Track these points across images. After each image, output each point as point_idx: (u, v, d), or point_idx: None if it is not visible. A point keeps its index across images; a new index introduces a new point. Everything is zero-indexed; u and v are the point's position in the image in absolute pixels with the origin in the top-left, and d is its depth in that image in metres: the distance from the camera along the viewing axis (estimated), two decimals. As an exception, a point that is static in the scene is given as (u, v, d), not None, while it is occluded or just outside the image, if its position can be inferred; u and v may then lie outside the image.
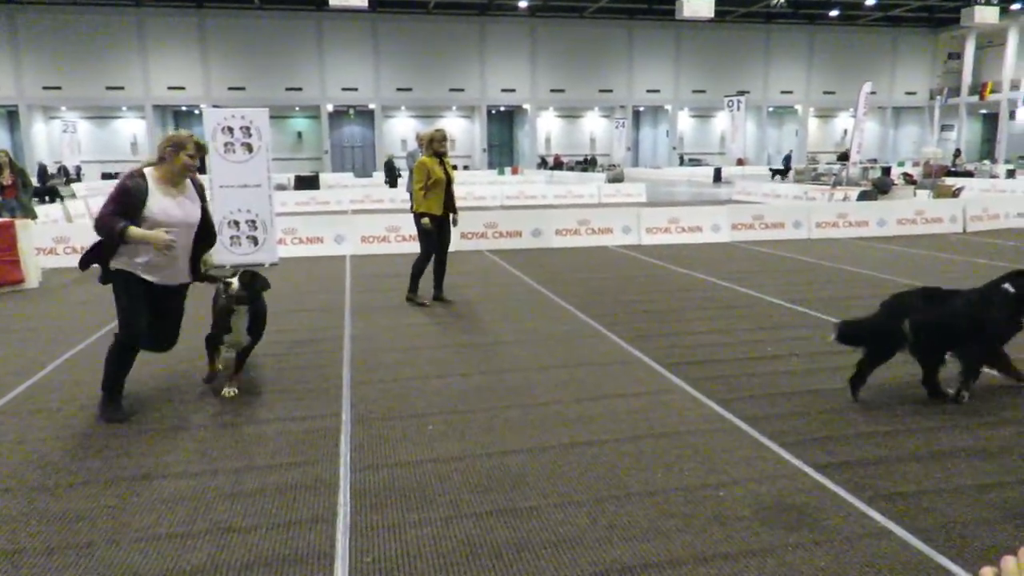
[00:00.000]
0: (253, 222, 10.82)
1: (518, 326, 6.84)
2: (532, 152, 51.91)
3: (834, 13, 50.09)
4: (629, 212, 13.33)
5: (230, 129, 10.62)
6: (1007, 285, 4.70)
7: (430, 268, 7.93)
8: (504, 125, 56.00)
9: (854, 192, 17.60)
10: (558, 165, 48.83)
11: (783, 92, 55.09)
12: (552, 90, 51.13)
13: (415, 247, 8.83)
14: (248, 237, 10.87)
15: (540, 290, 8.71)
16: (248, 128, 10.65)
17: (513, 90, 50.57)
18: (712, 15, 28.95)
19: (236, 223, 10.79)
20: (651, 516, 3.28)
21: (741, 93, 38.27)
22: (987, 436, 4.11)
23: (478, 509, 3.36)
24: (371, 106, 48.46)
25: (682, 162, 53.84)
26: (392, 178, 24.64)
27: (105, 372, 4.50)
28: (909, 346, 4.63)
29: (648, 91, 52.97)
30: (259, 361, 5.65)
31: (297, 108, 49.26)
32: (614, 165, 42.04)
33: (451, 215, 7.67)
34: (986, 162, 33.23)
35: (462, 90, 49.53)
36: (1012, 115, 48.71)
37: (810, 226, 13.57)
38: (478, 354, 5.89)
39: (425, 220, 7.46)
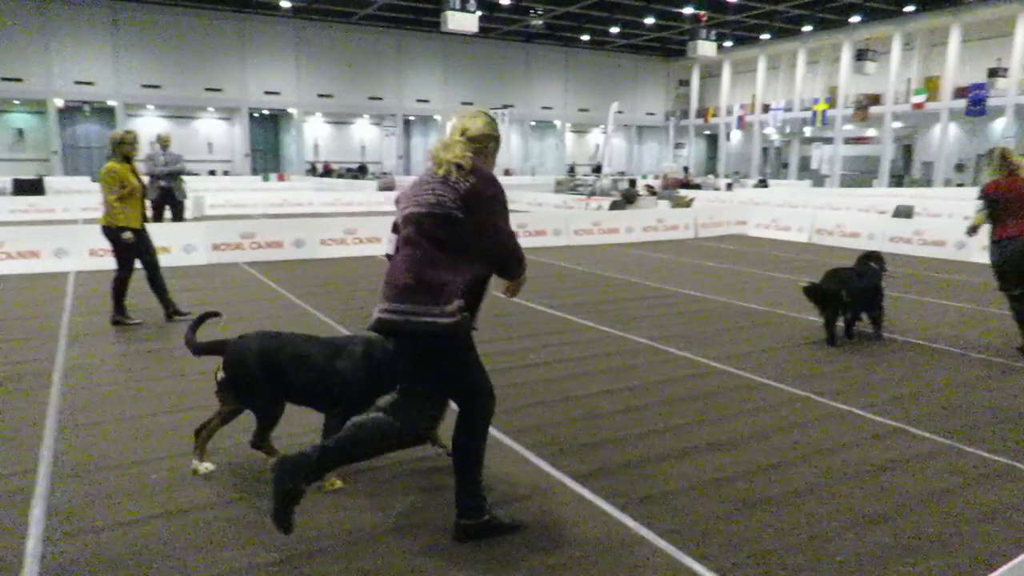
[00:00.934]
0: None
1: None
2: (300, 158, 49.68)
3: (586, 38, 54.23)
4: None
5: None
6: (872, 264, 6.48)
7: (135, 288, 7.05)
8: (269, 129, 52.94)
9: (606, 202, 18.95)
10: (327, 172, 47.25)
11: (544, 107, 58.51)
12: (320, 95, 49.36)
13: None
14: None
15: (300, 304, 8.09)
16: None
17: (278, 93, 48.03)
18: (476, 30, 29.65)
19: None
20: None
21: (506, 106, 39.91)
22: (728, 428, 4.40)
23: (213, 572, 2.84)
24: (111, 103, 43.13)
25: (453, 171, 54.80)
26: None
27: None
28: (843, 306, 6.31)
29: (418, 100, 53.27)
30: (-72, 409, 4.49)
31: (17, 101, 42.35)
32: (385, 173, 41.64)
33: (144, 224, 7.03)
34: (710, 176, 37.92)
35: (220, 90, 45.95)
36: (728, 136, 56.29)
37: (569, 233, 14.28)
38: (223, 381, 5.21)
39: (127, 235, 6.74)
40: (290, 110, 49.55)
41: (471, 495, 3.02)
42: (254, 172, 46.52)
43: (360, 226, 12.47)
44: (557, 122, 59.74)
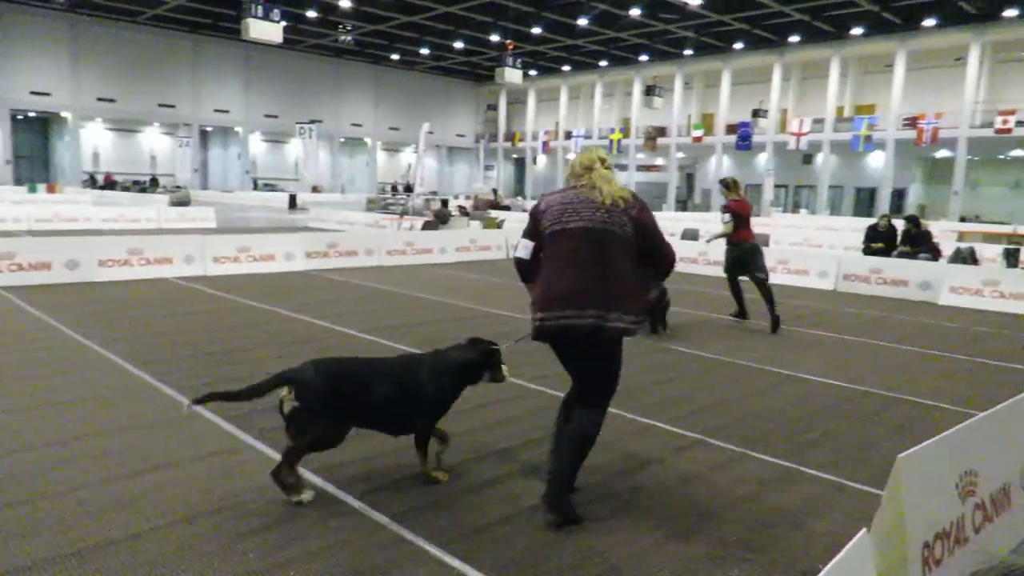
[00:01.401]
0: None
1: (33, 389, 5.33)
2: (76, 168, 44.37)
3: (396, 57, 54.09)
4: (193, 240, 11.96)
5: None
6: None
7: None
8: (36, 134, 46.78)
9: (419, 222, 18.87)
10: (110, 184, 42.69)
11: (353, 124, 57.42)
12: (100, 99, 44.55)
13: None
14: None
15: (73, 336, 7.07)
16: None
17: (47, 94, 42.62)
18: (280, 41, 28.36)
19: None
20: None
21: (313, 121, 38.57)
22: (546, 450, 4.39)
23: None
24: None
25: (256, 187, 52.01)
26: None
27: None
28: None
29: (216, 111, 49.93)
30: None
31: None
32: (179, 187, 38.42)
33: None
34: (519, 198, 39.34)
35: (-27, 87, 39.90)
36: (535, 160, 58.87)
37: (382, 254, 13.97)
38: (-36, 433, 4.35)
39: None
40: (63, 113, 44.23)
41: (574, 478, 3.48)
42: (17, 182, 40.80)
43: (147, 245, 11.26)
44: (368, 140, 58.93)
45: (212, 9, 41.32)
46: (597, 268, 3.32)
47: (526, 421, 4.97)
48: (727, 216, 8.22)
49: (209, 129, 52.37)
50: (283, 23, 28.52)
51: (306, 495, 3.54)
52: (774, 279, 12.80)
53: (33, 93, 42.12)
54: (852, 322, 9.49)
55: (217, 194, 44.98)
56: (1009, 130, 34.34)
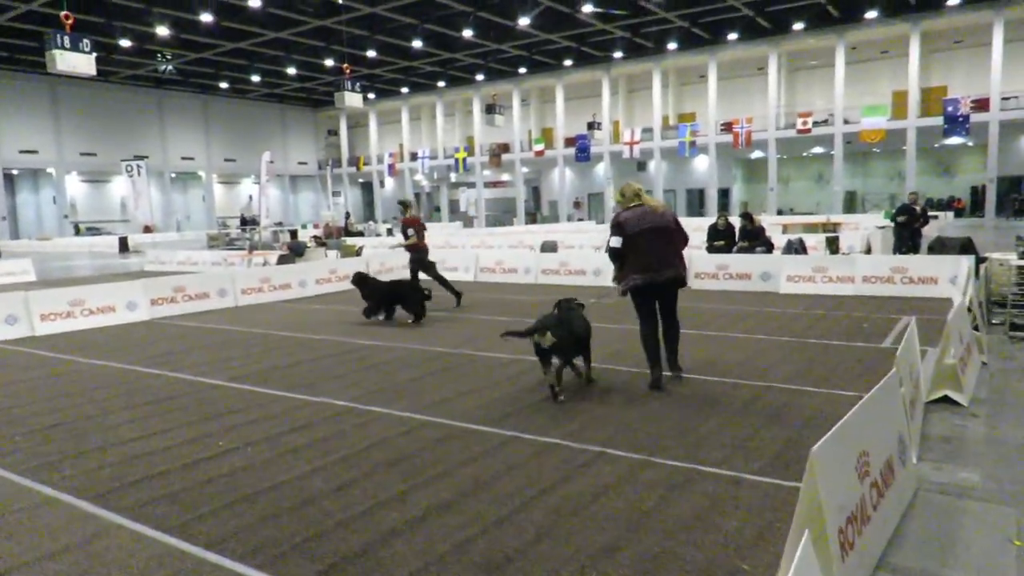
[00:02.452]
0: None
1: None
2: None
3: (224, 85, 51.47)
4: (13, 297, 10.59)
5: None
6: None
7: None
8: None
9: (272, 256, 17.96)
10: None
11: (184, 158, 53.95)
12: None
13: None
14: None
15: None
16: None
17: None
18: (94, 72, 26.01)
19: None
20: None
21: (139, 158, 35.73)
22: (451, 485, 4.23)
23: None
24: None
25: (78, 232, 47.37)
26: None
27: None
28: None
29: (21, 151, 45.03)
30: None
31: None
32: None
33: None
34: (371, 223, 38.60)
35: None
36: (383, 183, 58.14)
37: (236, 293, 13.12)
38: None
39: None
40: None
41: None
42: None
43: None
44: (202, 173, 55.60)
45: (9, 41, 37.26)
46: (669, 247, 6.12)
47: (425, 454, 4.78)
48: (411, 231, 10.79)
49: (15, 172, 47.13)
50: (94, 54, 26.23)
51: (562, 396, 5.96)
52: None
53: None
54: (708, 317, 10.06)
55: (30, 243, 40.52)
56: (808, 130, 38.39)
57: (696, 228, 24.97)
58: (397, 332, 9.67)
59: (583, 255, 15.48)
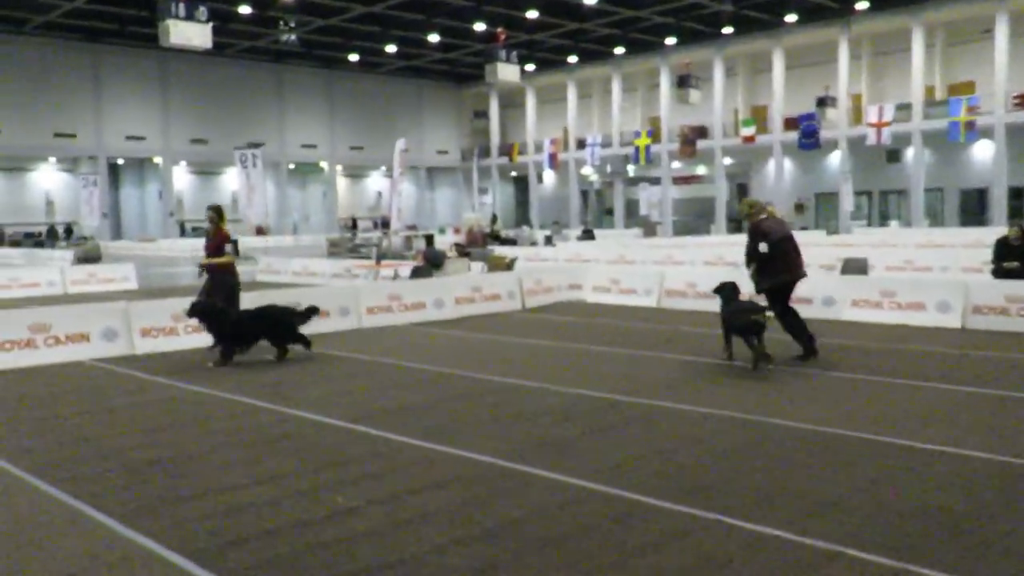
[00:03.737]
0: None
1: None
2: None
3: (354, 58, 54.85)
4: (113, 309, 11.79)
5: None
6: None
7: None
8: None
9: (404, 267, 18.76)
10: (-4, 238, 42.85)
11: (304, 146, 57.99)
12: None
13: None
14: None
15: (-35, 449, 6.85)
16: None
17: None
18: (209, 45, 28.72)
19: None
20: None
21: (253, 145, 38.76)
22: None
23: None
24: None
25: (183, 232, 52.27)
26: None
27: None
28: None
29: (128, 138, 50.50)
30: None
31: None
32: (84, 238, 38.45)
33: None
34: (525, 228, 39.41)
35: None
36: (540, 178, 59.29)
37: (360, 313, 13.81)
38: None
39: None
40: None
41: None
42: None
43: (55, 319, 11.09)
44: (324, 164, 59.45)
45: (117, 11, 42.06)
46: (798, 252, 9.76)
47: (590, 536, 4.72)
48: (228, 247, 11.48)
49: (120, 162, 52.88)
50: (210, 23, 28.94)
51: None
52: (881, 315, 12.68)
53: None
54: (1001, 369, 9.28)
55: (134, 244, 45.16)
56: None
57: (973, 243, 23.24)
58: (554, 372, 9.71)
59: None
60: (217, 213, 11.56)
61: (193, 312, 10.36)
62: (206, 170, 56.32)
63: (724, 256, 21.33)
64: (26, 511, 5.35)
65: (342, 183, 61.66)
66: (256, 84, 55.34)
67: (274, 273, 24.21)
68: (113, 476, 6.01)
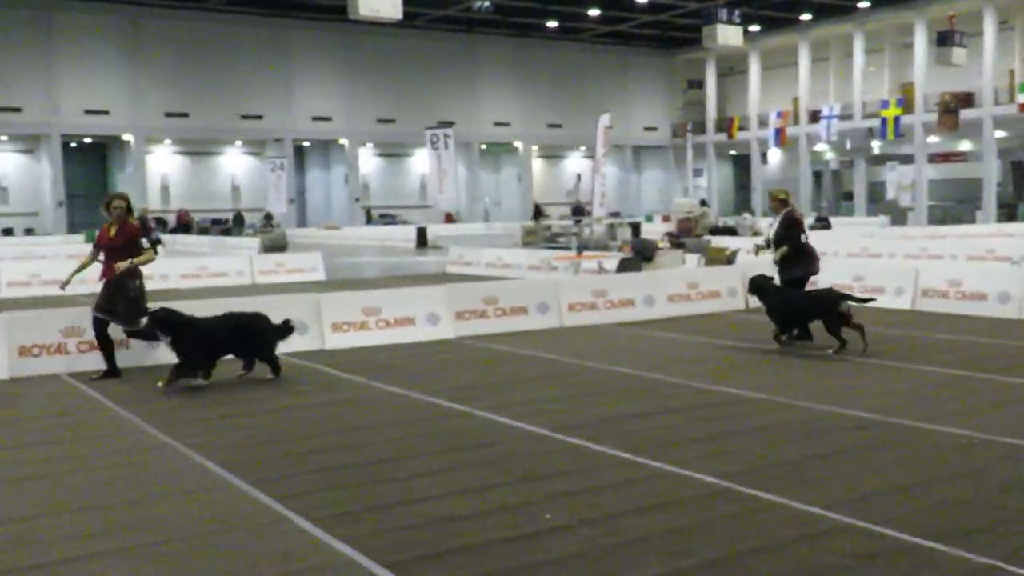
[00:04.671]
0: None
1: (119, 516, 5.68)
2: (141, 206, 49.10)
3: (553, 24, 55.57)
4: (303, 301, 12.60)
5: None
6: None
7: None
8: (94, 165, 52.54)
9: (610, 259, 18.85)
10: (184, 226, 46.74)
11: (498, 123, 59.36)
12: (168, 114, 49.35)
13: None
14: None
15: (164, 440, 7.55)
16: None
17: (105, 112, 47.79)
18: (399, 15, 30.04)
19: None
20: None
21: (444, 124, 40.10)
22: None
23: None
24: None
25: (370, 219, 54.90)
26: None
27: None
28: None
29: (315, 118, 53.63)
30: None
31: None
32: (271, 225, 41.26)
33: None
34: (746, 215, 38.54)
35: (18, 110, 45.56)
36: (765, 157, 57.71)
37: (561, 309, 14.01)
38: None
39: None
40: (125, 136, 49.24)
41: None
42: (71, 229, 45.75)
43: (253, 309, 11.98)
44: (518, 144, 60.59)
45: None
46: None
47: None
48: (147, 240, 11.04)
49: (306, 144, 56.21)
50: (403, -8, 30.18)
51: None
52: None
53: (88, 112, 47.32)
54: None
55: (318, 232, 47.91)
56: None
57: None
58: (782, 384, 9.48)
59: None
60: (126, 202, 10.55)
61: (154, 321, 9.62)
62: (393, 152, 58.85)
63: (996, 250, 19.99)
64: (226, 510, 5.84)
65: (537, 165, 62.64)
66: (446, 57, 57.13)
67: (466, 264, 24.97)
68: (309, 479, 6.44)
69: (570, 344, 12.35)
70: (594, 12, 51.77)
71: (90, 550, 5.15)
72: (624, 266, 17.82)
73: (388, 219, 54.90)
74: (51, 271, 21.07)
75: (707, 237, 24.67)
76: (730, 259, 18.86)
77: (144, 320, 9.74)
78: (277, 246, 32.38)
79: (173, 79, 49.30)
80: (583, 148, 60.74)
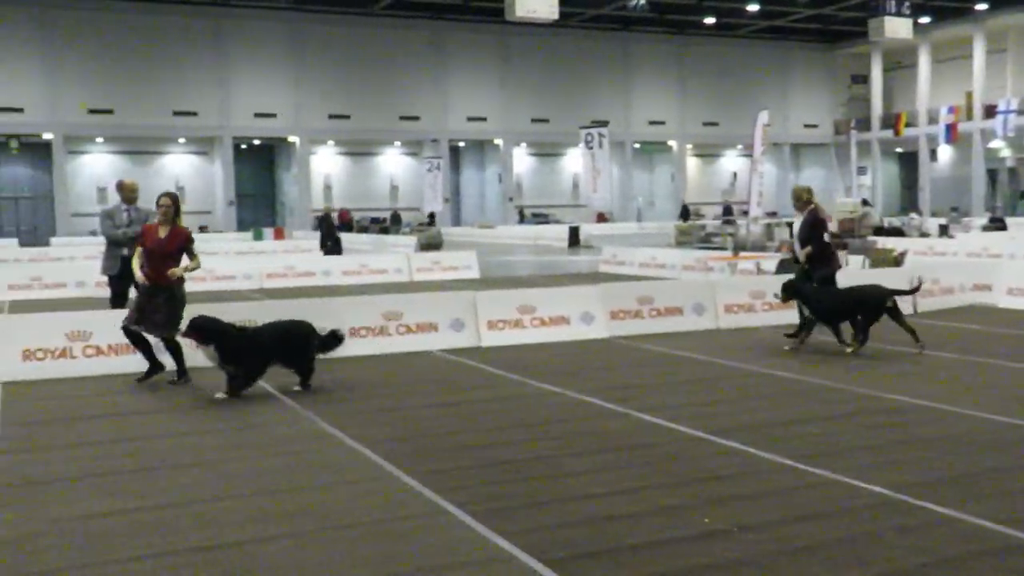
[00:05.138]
0: None
1: (287, 502, 5.93)
2: (304, 206, 51.12)
3: (710, 21, 54.76)
4: (459, 298, 12.84)
5: None
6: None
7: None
8: (260, 166, 55.01)
9: (768, 260, 18.43)
10: (346, 224, 48.27)
11: (652, 122, 58.94)
12: (332, 116, 51.15)
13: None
14: None
15: (328, 431, 7.86)
16: None
17: (272, 115, 49.96)
18: (556, 16, 30.26)
19: None
20: None
21: (597, 123, 40.07)
22: None
23: None
24: (46, 135, 45.63)
25: (522, 218, 55.41)
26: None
27: None
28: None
29: (470, 119, 54.52)
30: None
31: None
32: (427, 224, 42.22)
33: None
34: (914, 216, 36.92)
35: (194, 114, 48.14)
36: (934, 155, 55.16)
37: (717, 310, 13.80)
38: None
39: None
40: (291, 138, 51.32)
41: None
42: (240, 226, 48.00)
43: (406, 307, 12.30)
44: (672, 143, 60.01)
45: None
46: None
47: None
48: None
49: (461, 144, 57.24)
50: (558, -7, 30.33)
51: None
52: None
53: (258, 116, 49.55)
54: None
55: (472, 231, 48.69)
56: None
57: None
58: (956, 392, 9.06)
59: None
60: (175, 203, 9.82)
61: (193, 329, 9.04)
62: (546, 152, 59.20)
63: None
64: (389, 500, 6.03)
65: (692, 164, 61.89)
66: (599, 56, 57.12)
67: (619, 264, 24.90)
68: (468, 473, 6.57)
69: (726, 346, 12.16)
70: (753, 7, 50.75)
71: (263, 534, 5.41)
72: (783, 267, 17.40)
73: (541, 218, 55.31)
74: (223, 267, 22.25)
75: (872, 238, 23.77)
76: (898, 261, 18.17)
77: (182, 327, 9.21)
78: (433, 244, 33.08)
79: (336, 83, 51.02)
80: (739, 146, 59.61)
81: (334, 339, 9.65)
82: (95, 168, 48.93)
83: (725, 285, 14.72)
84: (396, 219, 48.77)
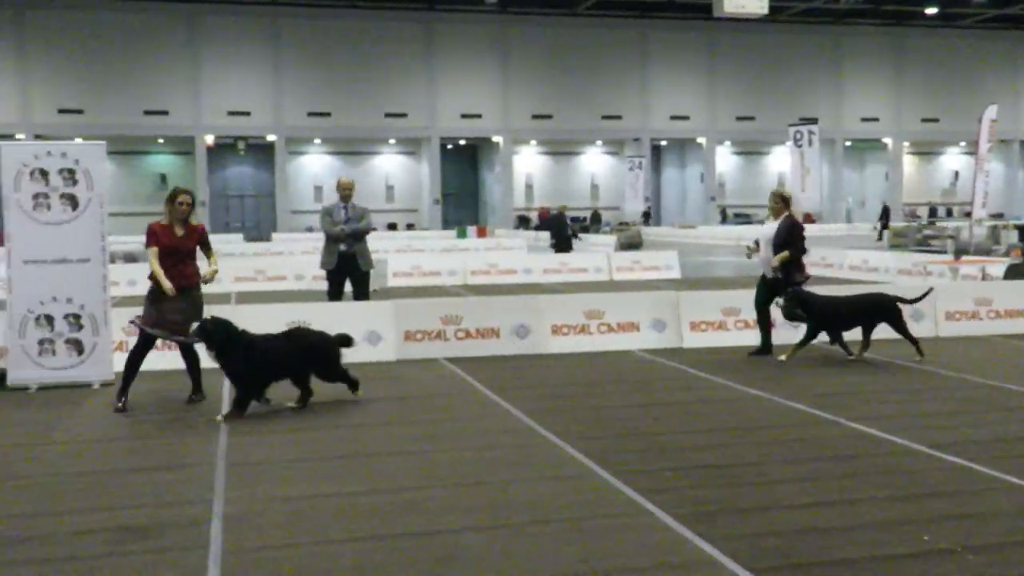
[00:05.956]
0: (76, 316, 9.98)
1: (491, 494, 6.06)
2: (506, 204, 52.10)
3: (932, 11, 51.85)
4: (661, 298, 12.74)
5: (43, 172, 9.94)
6: None
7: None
8: (465, 166, 56.49)
9: (994, 265, 17.33)
10: (544, 223, 48.90)
11: (865, 119, 56.46)
12: (535, 116, 51.87)
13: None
14: (68, 342, 10.01)
15: (531, 426, 7.98)
16: (73, 171, 9.98)
17: (478, 115, 51.14)
18: (765, 12, 29.49)
19: (48, 319, 9.94)
20: None
21: (806, 121, 38.66)
22: None
23: None
24: (270, 137, 48.57)
25: (724, 218, 54.39)
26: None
27: None
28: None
29: (672, 117, 53.97)
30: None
31: (160, 140, 49.08)
32: (627, 223, 42.12)
33: None
34: None
35: (404, 115, 49.95)
36: None
37: (936, 317, 13.07)
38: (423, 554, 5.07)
39: None
40: (495, 138, 52.39)
41: None
42: (445, 225, 49.44)
43: (607, 306, 12.31)
44: (887, 140, 57.34)
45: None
46: None
47: None
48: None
49: (662, 143, 56.80)
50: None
51: None
52: None
53: (464, 116, 50.89)
54: None
55: (672, 230, 48.20)
56: None
57: None
58: None
59: None
60: (193, 200, 9.21)
61: (200, 331, 8.46)
62: (750, 150, 57.89)
63: None
64: (592, 498, 6.06)
65: (908, 162, 58.87)
66: (809, 52, 55.28)
67: (827, 267, 24.01)
68: (670, 475, 6.51)
69: (947, 355, 11.49)
70: (979, -5, 47.79)
71: (469, 523, 5.56)
72: (1012, 272, 16.31)
73: (743, 219, 54.08)
74: (430, 263, 23.02)
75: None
76: None
77: (193, 328, 8.53)
78: (632, 244, 32.94)
79: (539, 83, 51.71)
80: (962, 144, 56.21)
81: (347, 342, 8.99)
82: (312, 168, 51.73)
83: (945, 291, 13.89)
84: (596, 218, 48.94)
